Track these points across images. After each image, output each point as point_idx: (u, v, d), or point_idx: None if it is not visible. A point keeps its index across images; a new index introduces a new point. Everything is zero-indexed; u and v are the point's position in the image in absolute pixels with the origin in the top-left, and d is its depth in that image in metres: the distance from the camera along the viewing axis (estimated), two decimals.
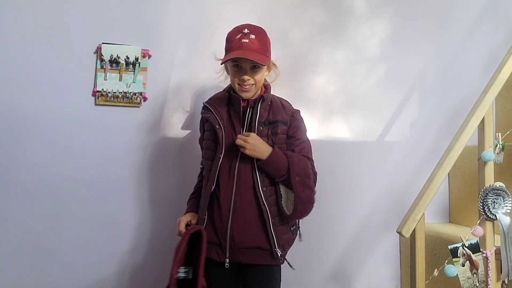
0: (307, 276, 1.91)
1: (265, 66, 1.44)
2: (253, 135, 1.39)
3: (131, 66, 1.77)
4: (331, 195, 1.91)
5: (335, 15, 2.00)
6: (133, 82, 1.78)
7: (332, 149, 1.94)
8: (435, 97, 2.07)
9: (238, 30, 1.41)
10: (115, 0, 1.78)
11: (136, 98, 1.78)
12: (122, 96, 1.77)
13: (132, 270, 1.77)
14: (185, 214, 1.52)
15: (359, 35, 2.01)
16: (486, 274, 1.43)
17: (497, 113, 2.09)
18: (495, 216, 1.44)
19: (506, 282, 1.46)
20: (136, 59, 1.78)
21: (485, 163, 1.48)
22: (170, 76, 1.82)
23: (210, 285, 1.38)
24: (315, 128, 1.93)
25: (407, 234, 1.42)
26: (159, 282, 1.77)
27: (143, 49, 1.78)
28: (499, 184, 1.47)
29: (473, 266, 1.42)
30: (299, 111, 1.53)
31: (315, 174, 1.47)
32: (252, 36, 1.39)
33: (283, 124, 1.45)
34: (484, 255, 1.44)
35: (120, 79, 1.77)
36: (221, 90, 1.57)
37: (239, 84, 1.43)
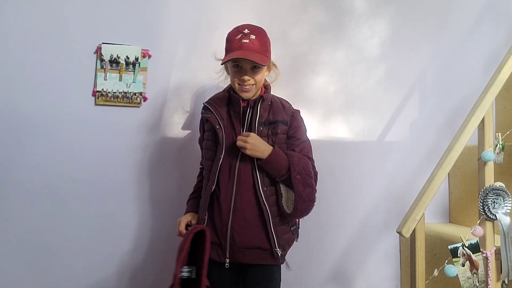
0: (307, 276, 1.91)
1: (265, 66, 1.44)
2: (253, 135, 1.39)
3: (131, 66, 1.77)
4: (331, 195, 1.91)
5: (335, 15, 2.00)
6: (133, 82, 1.78)
7: (332, 149, 1.94)
8: (435, 97, 2.07)
9: (238, 30, 1.42)
10: (115, 0, 1.78)
11: (136, 98, 1.78)
12: (122, 96, 1.77)
13: (132, 270, 1.77)
14: (185, 214, 1.53)
15: (359, 35, 2.01)
16: (486, 274, 1.43)
17: (497, 113, 2.09)
18: (495, 216, 1.44)
19: (506, 282, 1.46)
20: (136, 59, 1.78)
21: (485, 163, 1.48)
22: (170, 76, 1.82)
23: (210, 285, 1.38)
24: (315, 128, 1.93)
25: (407, 234, 1.42)
26: (159, 282, 1.77)
27: (143, 49, 1.78)
28: (499, 184, 1.47)
29: (473, 266, 1.42)
30: (299, 111, 1.53)
31: (315, 173, 1.47)
32: (253, 37, 1.39)
33: (283, 124, 1.45)
34: (484, 255, 1.44)
35: (120, 79, 1.77)
36: (221, 90, 1.57)
37: (239, 84, 1.43)
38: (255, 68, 1.41)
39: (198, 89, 1.84)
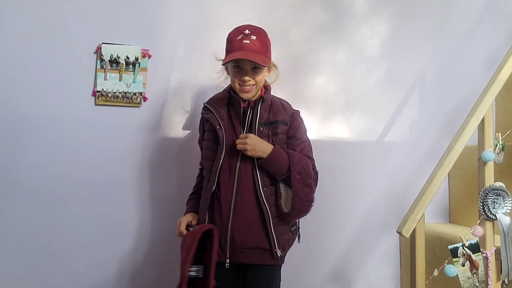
0: (307, 276, 1.91)
1: (266, 67, 1.44)
2: (251, 135, 1.39)
3: (131, 66, 1.77)
4: (331, 195, 1.91)
5: (335, 15, 2.00)
6: (133, 82, 1.78)
7: (332, 149, 1.94)
8: (435, 97, 2.07)
9: (239, 30, 1.42)
10: (115, 0, 1.78)
11: (136, 98, 1.78)
12: (122, 96, 1.77)
13: (132, 270, 1.77)
14: (185, 214, 1.52)
15: (359, 35, 2.01)
16: (486, 274, 1.43)
17: (497, 113, 2.09)
18: (495, 216, 1.44)
19: (506, 282, 1.46)
20: (136, 59, 1.78)
21: (485, 163, 1.48)
22: (170, 76, 1.82)
23: None
24: (315, 128, 1.93)
25: (407, 234, 1.42)
26: (160, 282, 1.77)
27: (143, 49, 1.78)
28: (499, 184, 1.47)
29: (473, 266, 1.42)
30: (299, 111, 1.53)
31: (316, 173, 1.47)
32: (253, 37, 1.39)
33: (283, 124, 1.45)
34: (484, 255, 1.44)
35: (120, 79, 1.77)
36: (221, 91, 1.57)
37: (239, 85, 1.43)
38: (256, 68, 1.41)
39: (198, 89, 1.84)
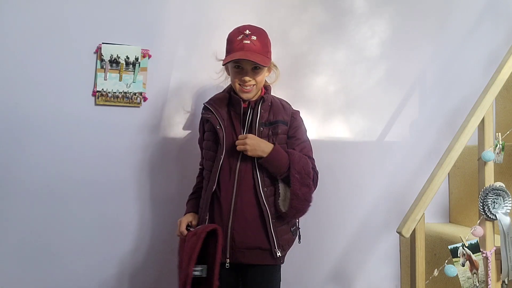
0: (307, 276, 1.91)
1: (266, 67, 1.44)
2: (250, 135, 1.39)
3: (131, 66, 1.77)
4: (331, 195, 1.91)
5: (335, 15, 2.00)
6: (133, 82, 1.78)
7: (332, 149, 1.94)
8: (435, 97, 2.07)
9: (239, 31, 1.42)
10: (115, 0, 1.78)
11: (136, 98, 1.78)
12: (122, 96, 1.77)
13: (132, 270, 1.77)
14: (185, 214, 1.52)
15: (359, 35, 2.01)
16: (486, 274, 1.43)
17: (497, 113, 2.09)
18: (495, 216, 1.44)
19: (506, 282, 1.46)
20: (136, 59, 1.78)
21: (485, 163, 1.48)
22: (170, 76, 1.82)
23: None
24: (315, 128, 1.93)
25: (407, 234, 1.42)
26: (160, 282, 1.77)
27: (143, 49, 1.78)
28: (499, 184, 1.47)
29: (473, 266, 1.42)
30: (299, 111, 1.54)
31: (316, 173, 1.47)
32: (254, 37, 1.39)
33: (283, 124, 1.45)
34: (484, 255, 1.44)
35: (120, 79, 1.77)
36: (221, 91, 1.57)
37: (240, 85, 1.43)
38: (256, 69, 1.42)
39: (198, 89, 1.84)
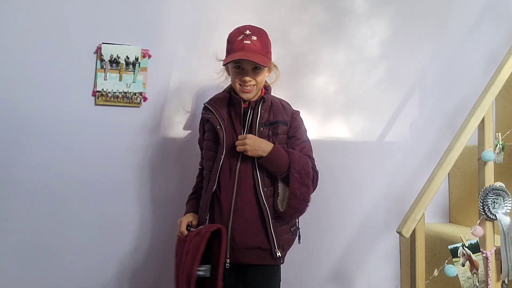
0: (307, 276, 1.91)
1: (266, 67, 1.44)
2: (250, 135, 1.39)
3: (131, 66, 1.77)
4: (331, 195, 1.91)
5: (335, 15, 2.00)
6: (133, 82, 1.78)
7: (332, 149, 1.94)
8: (435, 97, 2.07)
9: (239, 31, 1.42)
10: (115, 0, 1.78)
11: (136, 98, 1.78)
12: (122, 96, 1.77)
13: (132, 270, 1.77)
14: (185, 214, 1.52)
15: (359, 35, 2.01)
16: (486, 274, 1.43)
17: (497, 113, 2.09)
18: (495, 216, 1.44)
19: (506, 282, 1.46)
20: (136, 59, 1.78)
21: (485, 163, 1.48)
22: (170, 76, 1.82)
23: None
24: (315, 128, 1.93)
25: (407, 234, 1.42)
26: (160, 282, 1.77)
27: (143, 49, 1.78)
28: (499, 184, 1.47)
29: (473, 266, 1.42)
30: (299, 112, 1.54)
31: (316, 172, 1.47)
32: (254, 38, 1.40)
33: (283, 124, 1.45)
34: (484, 255, 1.44)
35: (120, 79, 1.77)
36: (221, 91, 1.57)
37: (240, 85, 1.43)
38: (256, 69, 1.42)
39: (198, 89, 1.84)
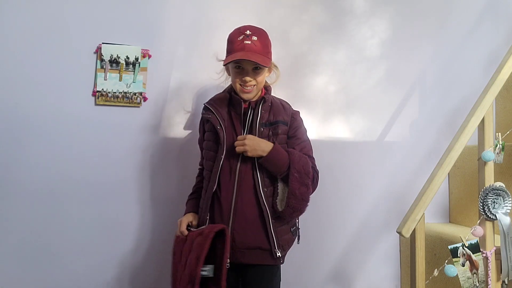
0: (307, 276, 1.91)
1: (267, 68, 1.45)
2: (249, 136, 1.39)
3: (131, 66, 1.77)
4: (331, 195, 1.91)
5: (335, 15, 2.00)
6: (133, 82, 1.78)
7: (332, 149, 1.94)
8: (435, 97, 2.07)
9: (240, 31, 1.42)
10: (115, 0, 1.78)
11: (136, 98, 1.78)
12: (122, 96, 1.77)
13: (133, 270, 1.77)
14: (185, 214, 1.52)
15: (359, 35, 2.01)
16: (486, 274, 1.43)
17: (497, 113, 2.09)
18: (495, 216, 1.44)
19: (506, 282, 1.46)
20: (136, 59, 1.78)
21: (485, 163, 1.48)
22: (170, 76, 1.82)
23: None
24: (315, 128, 1.93)
25: (407, 234, 1.42)
26: (160, 282, 1.77)
27: (143, 49, 1.78)
28: (499, 184, 1.47)
29: (473, 266, 1.42)
30: (299, 112, 1.54)
31: (316, 172, 1.47)
32: (254, 38, 1.40)
33: (283, 124, 1.45)
34: (484, 255, 1.44)
35: (120, 79, 1.77)
36: (221, 91, 1.57)
37: (240, 85, 1.43)
38: (257, 69, 1.42)
39: (198, 89, 1.84)
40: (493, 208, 1.45)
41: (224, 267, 1.32)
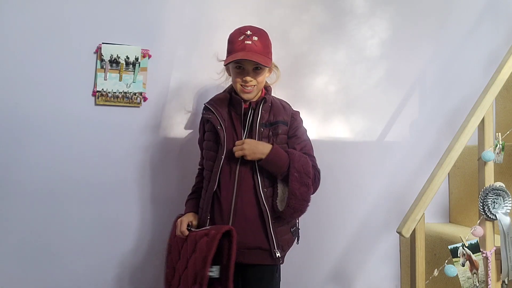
0: (307, 276, 1.91)
1: (267, 68, 1.45)
2: (247, 140, 1.40)
3: (131, 66, 1.77)
4: (331, 195, 1.91)
5: (335, 15, 2.00)
6: (133, 82, 1.78)
7: (332, 149, 1.94)
8: (435, 97, 2.07)
9: (240, 31, 1.42)
10: (115, 0, 1.78)
11: (136, 98, 1.78)
12: (122, 96, 1.77)
13: (133, 270, 1.77)
14: (184, 214, 1.52)
15: (359, 35, 2.01)
16: (486, 274, 1.43)
17: (497, 113, 2.09)
18: (495, 216, 1.44)
19: (506, 282, 1.46)
20: (136, 59, 1.78)
21: (485, 163, 1.48)
22: (170, 76, 1.82)
23: None
24: (315, 128, 1.93)
25: (407, 234, 1.42)
26: (160, 282, 1.76)
27: (143, 49, 1.78)
28: (499, 184, 1.47)
29: (473, 266, 1.42)
30: (299, 112, 1.54)
31: (318, 171, 1.47)
32: (255, 38, 1.40)
33: (283, 124, 1.46)
34: (484, 255, 1.44)
35: (120, 79, 1.77)
36: (221, 91, 1.57)
37: (241, 85, 1.43)
38: (257, 69, 1.42)
39: (199, 89, 1.84)
40: (493, 208, 1.45)
41: (232, 268, 1.32)
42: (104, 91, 1.75)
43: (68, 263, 1.72)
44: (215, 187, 1.43)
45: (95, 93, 1.75)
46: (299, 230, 1.52)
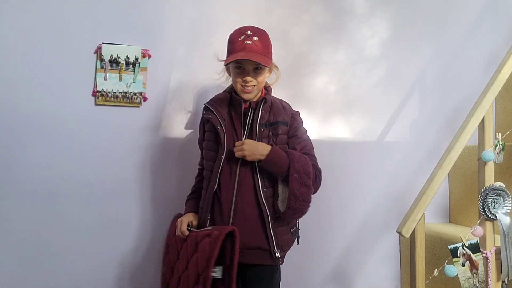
0: (307, 276, 1.91)
1: (267, 68, 1.45)
2: (247, 141, 1.40)
3: (131, 66, 1.77)
4: (331, 195, 1.91)
5: (335, 15, 2.00)
6: (133, 82, 1.78)
7: (332, 149, 1.94)
8: (435, 97, 2.07)
9: (240, 31, 1.42)
10: (115, 0, 1.78)
11: (136, 98, 1.78)
12: (122, 96, 1.77)
13: (132, 270, 1.77)
14: (184, 214, 1.52)
15: (359, 35, 2.01)
16: (486, 274, 1.43)
17: (497, 113, 2.09)
18: (495, 216, 1.44)
19: (506, 282, 1.46)
20: (136, 59, 1.78)
21: (485, 163, 1.48)
22: (170, 76, 1.82)
23: None
24: (315, 128, 1.93)
25: (407, 234, 1.42)
26: (160, 282, 1.77)
27: (143, 49, 1.78)
28: (499, 184, 1.47)
29: (473, 266, 1.42)
30: (299, 112, 1.54)
31: (319, 170, 1.47)
32: (255, 38, 1.40)
33: (283, 124, 1.46)
34: (484, 255, 1.44)
35: (120, 79, 1.77)
36: (222, 91, 1.57)
37: (241, 85, 1.43)
38: (258, 69, 1.42)
39: (199, 89, 1.84)
40: (493, 208, 1.45)
41: (235, 269, 1.32)
42: (104, 91, 1.75)
43: (68, 263, 1.72)
44: (215, 187, 1.43)
45: (95, 93, 1.75)
46: (299, 230, 1.52)
